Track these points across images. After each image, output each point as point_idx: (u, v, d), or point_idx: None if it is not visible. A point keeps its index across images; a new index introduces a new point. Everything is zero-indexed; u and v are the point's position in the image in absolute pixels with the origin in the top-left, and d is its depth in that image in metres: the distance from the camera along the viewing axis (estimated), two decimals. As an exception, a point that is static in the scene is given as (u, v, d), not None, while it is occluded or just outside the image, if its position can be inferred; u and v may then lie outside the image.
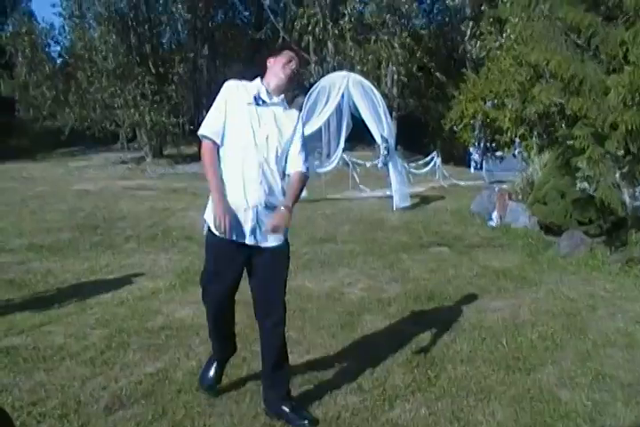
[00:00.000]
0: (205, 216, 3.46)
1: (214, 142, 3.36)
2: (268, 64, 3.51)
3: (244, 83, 3.47)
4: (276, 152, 3.37)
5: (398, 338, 4.71)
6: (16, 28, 23.79)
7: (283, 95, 3.47)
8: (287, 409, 3.43)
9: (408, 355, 4.37)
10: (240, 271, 3.43)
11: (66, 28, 24.60)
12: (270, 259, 3.40)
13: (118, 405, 3.65)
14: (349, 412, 3.54)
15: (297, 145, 3.47)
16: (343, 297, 5.87)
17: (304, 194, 12.53)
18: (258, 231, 3.33)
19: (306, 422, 3.41)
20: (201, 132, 3.38)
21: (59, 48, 26.46)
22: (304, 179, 3.48)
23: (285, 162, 3.45)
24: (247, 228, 3.32)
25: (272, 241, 3.37)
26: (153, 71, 22.57)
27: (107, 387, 3.89)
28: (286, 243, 3.46)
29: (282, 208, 3.28)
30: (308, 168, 3.53)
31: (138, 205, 12.09)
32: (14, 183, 16.03)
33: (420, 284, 6.34)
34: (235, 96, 3.39)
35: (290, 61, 3.43)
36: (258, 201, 3.31)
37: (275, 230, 3.26)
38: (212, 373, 3.79)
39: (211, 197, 3.34)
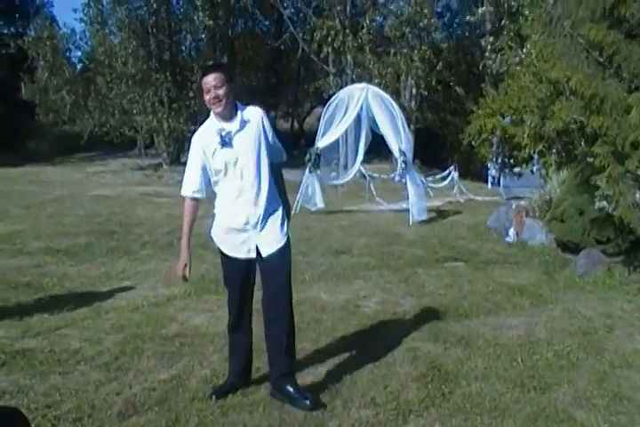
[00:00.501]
0: (212, 234, 3.87)
1: (196, 198, 3.77)
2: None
3: (205, 129, 3.76)
4: (261, 169, 3.69)
5: (412, 352, 4.69)
6: (38, 33, 24.03)
7: (238, 113, 3.70)
8: (291, 389, 3.74)
9: (422, 370, 4.35)
10: (248, 278, 3.82)
11: (87, 33, 24.80)
12: (275, 261, 3.72)
13: (132, 411, 3.67)
14: (363, 425, 3.53)
15: (271, 140, 3.79)
16: (358, 310, 5.86)
17: (321, 205, 12.56)
18: (256, 247, 3.71)
19: (307, 401, 3.67)
20: (183, 193, 3.79)
21: (79, 53, 26.63)
22: (281, 168, 3.96)
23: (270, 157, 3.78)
24: (245, 246, 3.72)
25: (275, 246, 3.72)
26: (171, 78, 22.69)
27: (120, 393, 3.91)
28: (287, 240, 3.77)
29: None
30: (284, 155, 3.97)
31: (154, 212, 12.14)
32: (33, 187, 16.14)
33: (436, 299, 6.32)
34: (204, 147, 3.70)
35: (208, 92, 3.62)
36: (253, 221, 3.68)
37: None
38: (223, 384, 3.97)
39: (215, 224, 3.84)
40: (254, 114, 3.74)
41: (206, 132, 3.73)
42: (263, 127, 3.74)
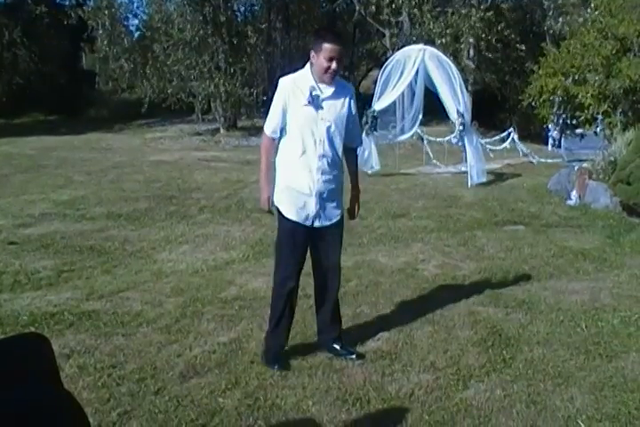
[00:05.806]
0: (275, 200, 3.81)
1: (273, 138, 3.79)
2: (311, 57, 3.65)
3: (298, 79, 3.69)
4: (336, 140, 3.73)
5: (473, 317, 4.63)
6: (97, 3, 24.23)
7: (334, 83, 3.68)
8: (338, 347, 3.96)
9: (483, 334, 4.29)
10: (302, 242, 3.81)
11: (143, 1, 25.00)
12: (330, 233, 3.84)
13: (192, 372, 3.72)
14: (422, 390, 3.51)
15: (353, 121, 3.82)
16: (417, 273, 5.80)
17: (377, 167, 12.45)
18: (321, 215, 3.76)
19: (353, 356, 3.89)
20: (265, 129, 3.83)
21: (137, 21, 26.90)
22: (356, 153, 4.06)
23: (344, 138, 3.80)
24: (312, 212, 3.73)
25: (332, 219, 3.82)
26: (227, 41, 22.62)
27: (181, 354, 3.97)
28: (342, 216, 3.90)
29: (354, 194, 4.02)
30: (361, 140, 3.98)
31: (212, 177, 12.24)
32: (95, 153, 16.43)
33: (496, 262, 6.20)
34: (292, 97, 3.66)
35: (330, 60, 3.56)
36: (321, 188, 3.71)
37: (353, 215, 4.04)
38: (273, 351, 3.90)
39: (277, 184, 3.78)
40: (348, 89, 3.80)
41: (299, 82, 3.68)
42: (349, 105, 3.76)
